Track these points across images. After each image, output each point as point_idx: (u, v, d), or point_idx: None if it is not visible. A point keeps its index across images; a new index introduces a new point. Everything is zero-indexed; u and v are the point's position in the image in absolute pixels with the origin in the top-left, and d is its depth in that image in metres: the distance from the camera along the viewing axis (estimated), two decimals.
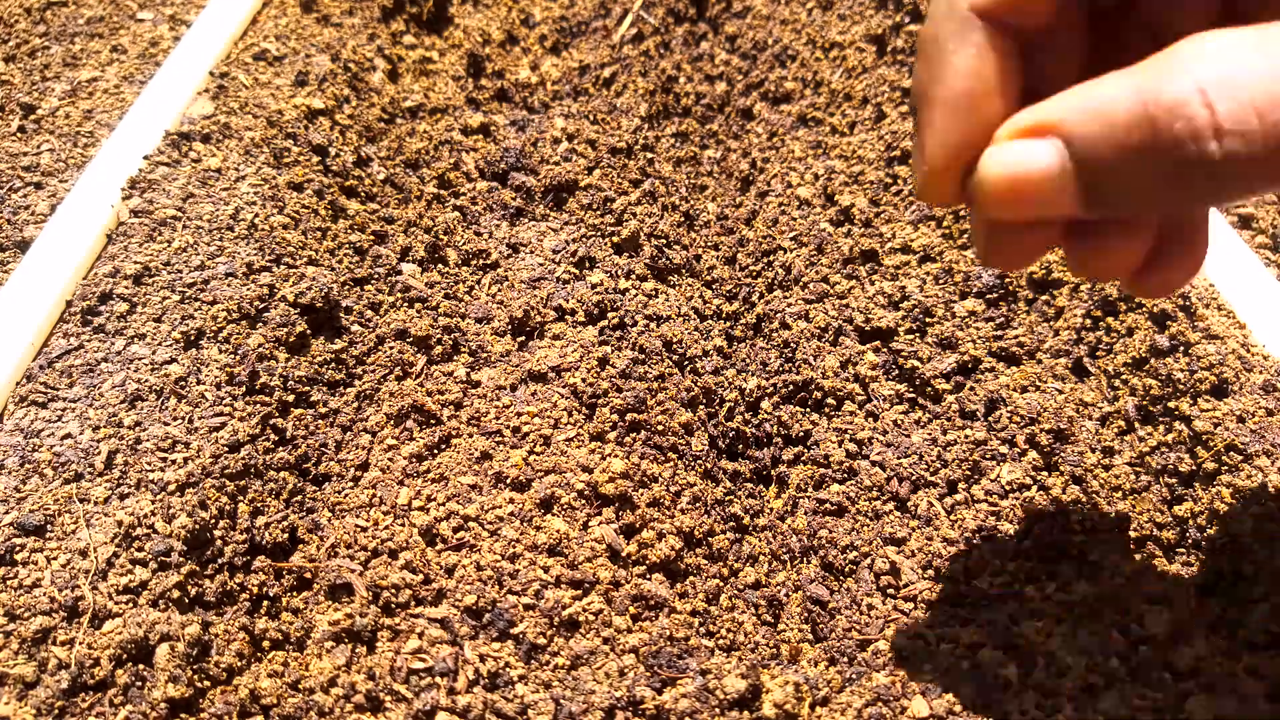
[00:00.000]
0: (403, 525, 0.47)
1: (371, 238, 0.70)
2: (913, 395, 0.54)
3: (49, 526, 0.47)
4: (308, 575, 0.49)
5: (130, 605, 0.44)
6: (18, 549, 0.46)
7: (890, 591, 0.47)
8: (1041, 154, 0.28)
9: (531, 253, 0.66)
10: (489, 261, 0.66)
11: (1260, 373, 0.54)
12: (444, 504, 0.48)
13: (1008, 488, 0.49)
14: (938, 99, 0.31)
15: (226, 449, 0.52)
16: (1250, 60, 0.24)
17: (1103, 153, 0.27)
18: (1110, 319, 0.58)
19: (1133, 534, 0.49)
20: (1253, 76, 0.24)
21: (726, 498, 0.55)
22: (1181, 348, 0.54)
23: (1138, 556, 0.47)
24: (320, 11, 0.94)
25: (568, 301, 0.60)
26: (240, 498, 0.51)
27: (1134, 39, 0.33)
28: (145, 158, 0.69)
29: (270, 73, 0.82)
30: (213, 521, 0.48)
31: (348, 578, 0.45)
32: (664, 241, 0.69)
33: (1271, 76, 0.24)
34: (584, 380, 0.53)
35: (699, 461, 0.54)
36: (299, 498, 0.53)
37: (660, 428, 0.53)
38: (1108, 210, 0.28)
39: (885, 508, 0.50)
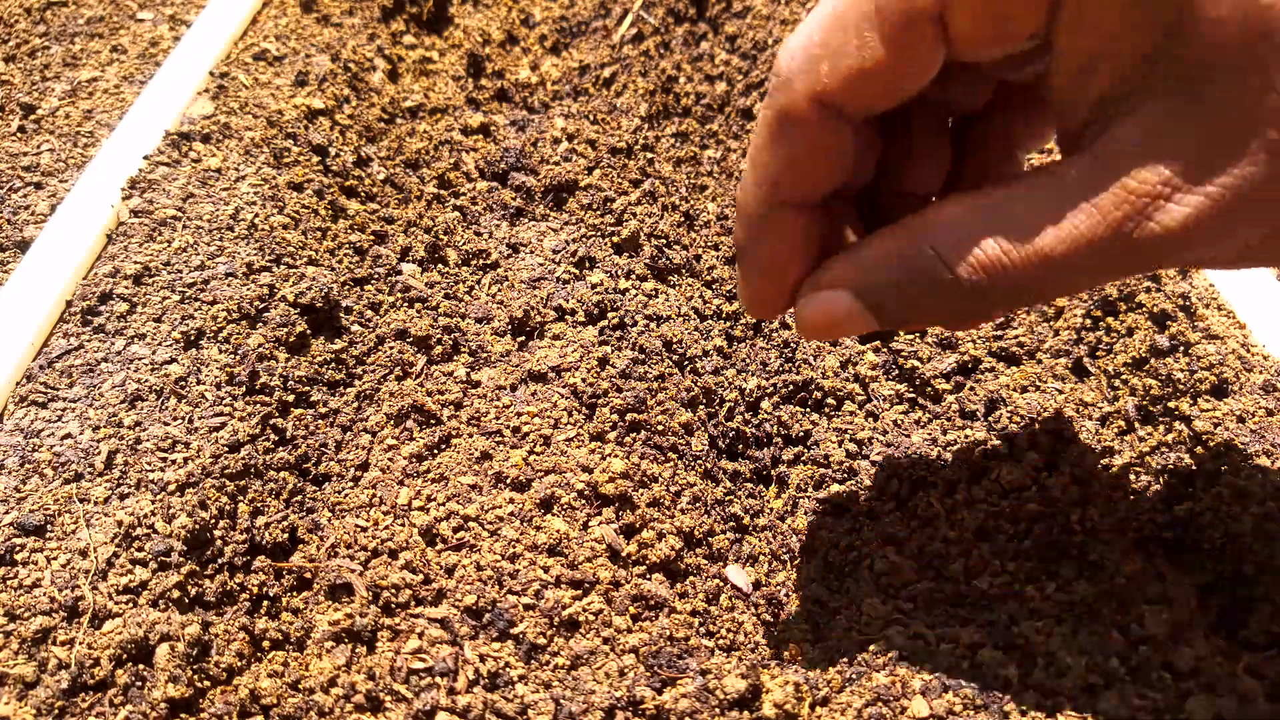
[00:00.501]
0: (403, 525, 0.47)
1: (371, 238, 0.70)
2: (913, 395, 0.54)
3: (49, 526, 0.47)
4: (308, 575, 0.49)
5: (130, 605, 0.44)
6: (18, 549, 0.46)
7: (890, 591, 0.47)
8: (841, 299, 0.37)
9: (531, 253, 0.66)
10: (489, 261, 0.66)
11: (1260, 373, 0.54)
12: (444, 504, 0.48)
13: (1008, 488, 0.49)
14: (752, 262, 0.40)
15: (226, 449, 0.52)
16: (973, 227, 0.33)
17: (885, 297, 0.36)
18: (1110, 319, 0.58)
19: (1132, 534, 0.49)
20: (972, 239, 0.33)
21: (726, 498, 0.55)
22: (1181, 348, 0.54)
23: (1138, 556, 0.47)
24: (320, 11, 0.94)
25: (568, 301, 0.60)
26: (240, 498, 0.51)
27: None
28: (145, 158, 0.69)
29: (270, 73, 0.82)
30: (213, 521, 0.48)
31: (348, 578, 0.45)
32: (664, 241, 0.69)
33: (985, 235, 0.33)
34: (584, 380, 0.53)
35: (699, 461, 0.54)
36: (299, 498, 0.53)
37: (660, 428, 0.53)
38: (895, 326, 0.38)
39: (885, 508, 0.50)
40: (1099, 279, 0.34)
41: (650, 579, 0.46)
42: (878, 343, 0.58)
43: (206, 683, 0.43)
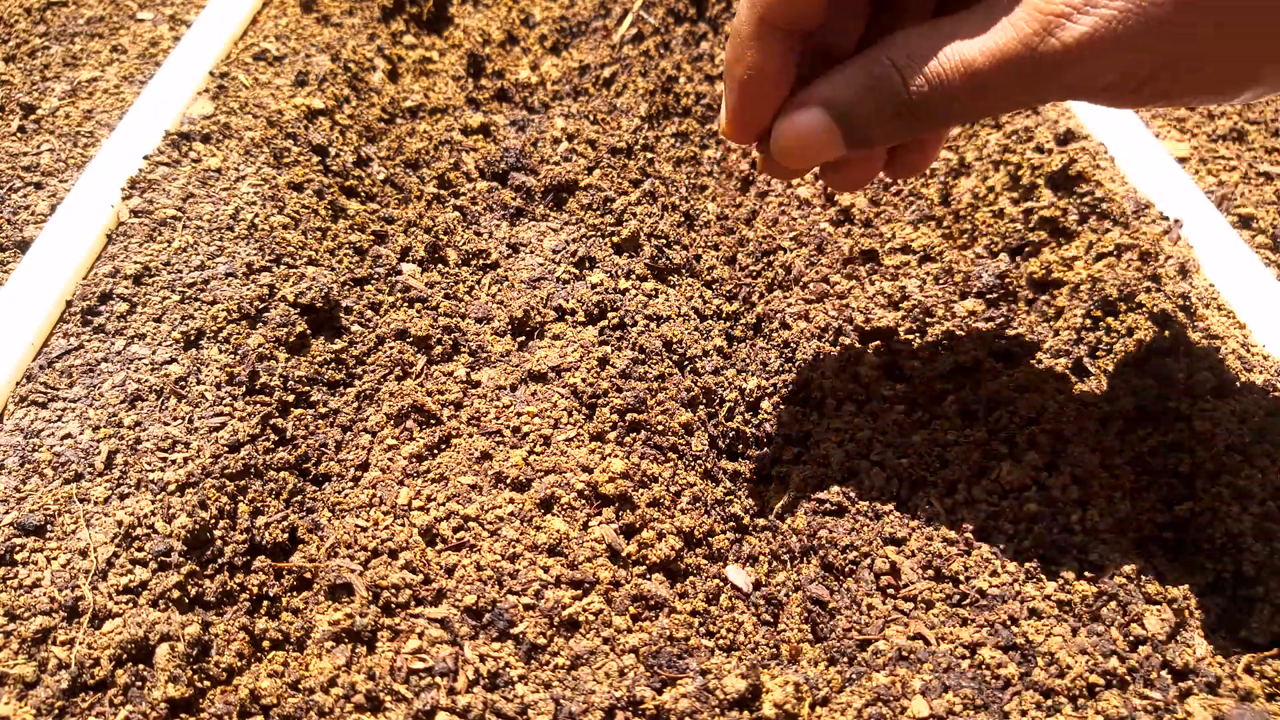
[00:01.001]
0: (403, 525, 0.47)
1: (371, 238, 0.70)
2: (913, 395, 0.54)
3: (49, 526, 0.47)
4: (308, 575, 0.49)
5: (130, 605, 0.44)
6: (18, 549, 0.46)
7: (890, 591, 0.47)
8: (815, 117, 0.42)
9: (531, 253, 0.66)
10: (489, 261, 0.66)
11: (1260, 373, 0.54)
12: (444, 504, 0.48)
13: (1008, 488, 0.49)
14: (736, 79, 0.44)
15: (226, 449, 0.52)
16: (921, 45, 0.39)
17: (852, 108, 0.41)
18: (1110, 319, 0.58)
19: (1132, 534, 0.49)
20: (921, 55, 0.39)
21: (726, 498, 0.55)
22: (1181, 348, 0.54)
23: (1138, 556, 0.47)
24: (320, 11, 0.94)
25: (568, 301, 0.60)
26: (240, 498, 0.51)
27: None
28: (145, 158, 0.69)
29: (270, 73, 0.82)
30: (213, 521, 0.48)
31: (348, 578, 0.45)
32: (664, 241, 0.69)
33: (930, 52, 0.38)
34: (584, 380, 0.53)
35: (699, 461, 0.54)
36: (299, 498, 0.53)
37: (660, 428, 0.53)
38: (862, 145, 0.42)
39: (885, 508, 0.50)
40: (1016, 95, 0.39)
41: (650, 579, 0.46)
42: (877, 342, 0.58)
43: (206, 683, 0.43)
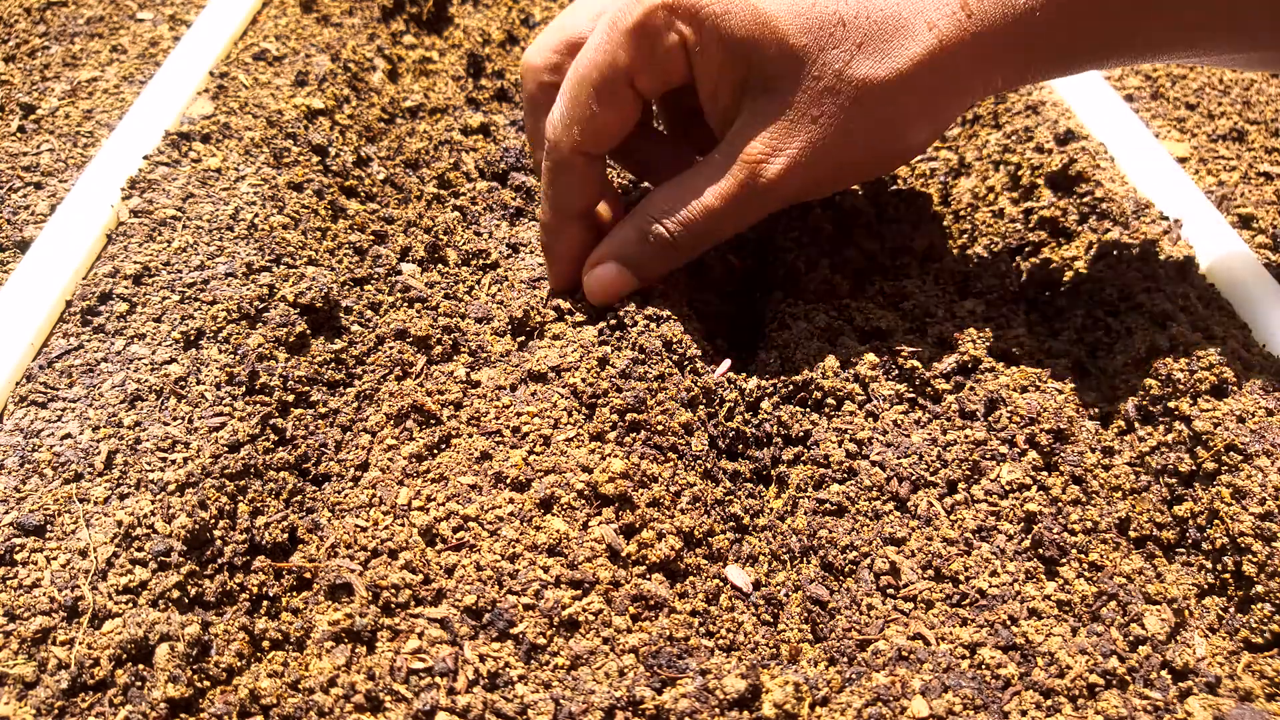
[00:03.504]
0: (403, 525, 0.47)
1: (371, 238, 0.70)
2: (913, 395, 0.54)
3: (49, 526, 0.47)
4: (308, 575, 0.49)
5: (130, 605, 0.44)
6: (18, 549, 0.46)
7: (890, 591, 0.47)
8: (610, 268, 0.56)
9: (531, 253, 0.66)
10: (489, 261, 0.66)
11: (1260, 373, 0.54)
12: (444, 504, 0.48)
13: (1008, 488, 0.49)
14: (558, 256, 0.59)
15: (226, 449, 0.52)
16: (671, 199, 0.54)
17: (634, 256, 0.55)
18: (1110, 319, 0.58)
19: (1133, 534, 0.49)
20: (673, 207, 0.53)
21: (726, 498, 0.55)
22: (1181, 348, 0.54)
23: (1138, 556, 0.47)
24: (320, 11, 0.94)
25: (568, 301, 0.60)
26: (240, 498, 0.51)
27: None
28: (145, 158, 0.69)
29: (270, 73, 0.82)
30: (213, 521, 0.48)
31: (348, 578, 0.45)
32: None
33: (679, 203, 0.53)
34: (584, 380, 0.53)
35: (699, 461, 0.54)
36: (299, 498, 0.53)
37: (660, 428, 0.53)
38: (648, 277, 0.57)
39: (885, 508, 0.50)
40: (745, 219, 0.54)
41: (650, 579, 0.46)
42: (877, 342, 0.58)
43: (206, 683, 0.43)
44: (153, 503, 0.48)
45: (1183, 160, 0.78)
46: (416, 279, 0.66)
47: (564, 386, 0.53)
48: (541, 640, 0.42)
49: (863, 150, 0.52)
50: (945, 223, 0.68)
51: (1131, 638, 0.43)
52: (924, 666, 0.43)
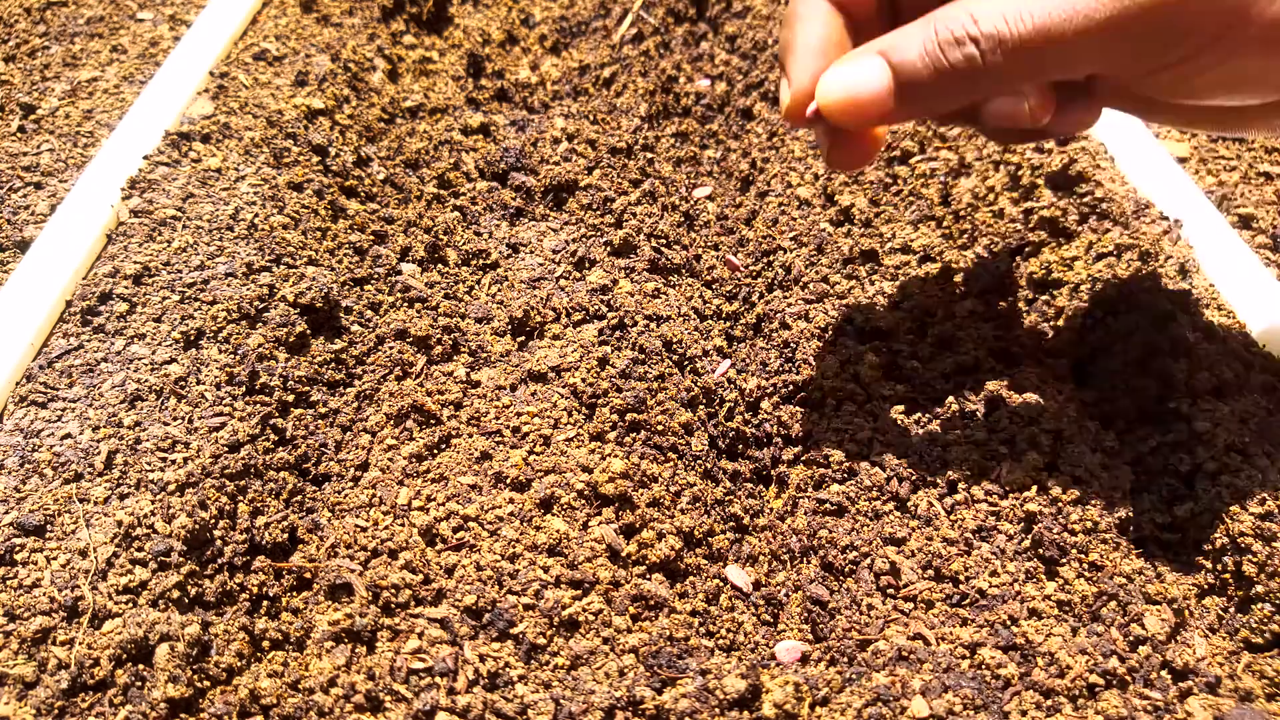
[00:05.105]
0: (403, 525, 0.47)
1: (371, 238, 0.69)
2: (913, 395, 0.54)
3: (49, 526, 0.47)
4: (308, 575, 0.49)
5: (130, 605, 0.44)
6: (18, 549, 0.46)
7: (890, 591, 0.47)
8: (872, 65, 0.40)
9: (531, 253, 0.66)
10: (489, 261, 0.66)
11: (1260, 373, 0.54)
12: (444, 504, 0.48)
13: (1008, 488, 0.49)
14: (796, 50, 0.43)
15: (226, 449, 0.52)
16: (993, 4, 0.38)
17: (910, 60, 0.39)
18: (1110, 319, 0.58)
19: (1132, 534, 0.49)
20: (994, 11, 0.38)
21: (726, 498, 0.55)
22: (1181, 348, 0.54)
23: (1138, 556, 0.47)
24: (320, 11, 0.94)
25: (567, 301, 0.60)
26: (240, 498, 0.51)
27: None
28: (145, 158, 0.69)
29: (270, 73, 0.82)
30: (213, 521, 0.48)
31: (348, 578, 0.45)
32: (664, 241, 0.69)
33: (1005, 11, 0.38)
34: (584, 380, 0.53)
35: (699, 461, 0.54)
36: (299, 498, 0.53)
37: (660, 428, 0.53)
38: (915, 108, 0.41)
39: (885, 508, 0.50)
40: (1085, 54, 0.38)
41: (650, 579, 0.46)
42: (877, 342, 0.58)
43: (206, 683, 0.43)
44: (153, 503, 0.48)
45: (1183, 160, 0.78)
46: (416, 279, 0.66)
47: (564, 386, 0.53)
48: (541, 640, 0.42)
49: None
50: (945, 223, 0.68)
51: (1131, 638, 0.43)
52: (924, 666, 0.43)
